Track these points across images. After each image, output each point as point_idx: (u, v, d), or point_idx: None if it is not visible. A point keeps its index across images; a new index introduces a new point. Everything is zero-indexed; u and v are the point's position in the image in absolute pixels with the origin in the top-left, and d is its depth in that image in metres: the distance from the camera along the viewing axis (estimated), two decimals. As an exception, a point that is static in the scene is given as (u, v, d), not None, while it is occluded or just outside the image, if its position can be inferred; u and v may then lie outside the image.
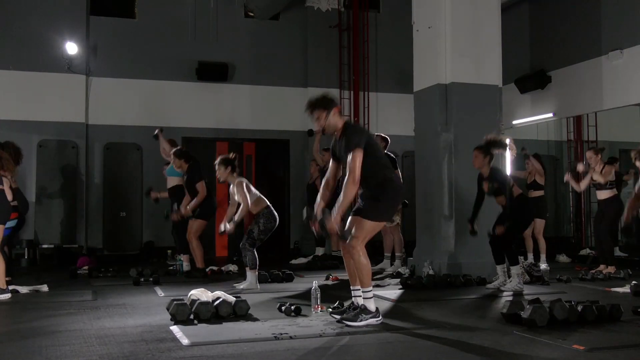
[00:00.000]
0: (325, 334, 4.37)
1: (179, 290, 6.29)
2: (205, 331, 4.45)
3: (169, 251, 9.93)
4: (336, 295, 5.76)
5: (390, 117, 11.98)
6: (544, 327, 4.47)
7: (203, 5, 11.55)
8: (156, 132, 9.31)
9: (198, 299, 4.97)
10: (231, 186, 7.00)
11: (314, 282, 5.25)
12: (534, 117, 11.44)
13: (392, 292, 6.53)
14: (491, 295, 6.33)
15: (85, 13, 11.13)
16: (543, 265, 8.28)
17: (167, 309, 4.93)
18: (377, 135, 8.17)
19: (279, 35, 12.16)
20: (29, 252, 10.09)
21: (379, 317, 4.70)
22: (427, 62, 7.96)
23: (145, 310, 5.40)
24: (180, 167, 8.19)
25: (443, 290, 6.63)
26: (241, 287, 6.69)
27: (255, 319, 4.88)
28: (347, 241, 4.69)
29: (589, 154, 8.38)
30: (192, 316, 4.80)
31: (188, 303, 4.92)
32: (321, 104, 4.78)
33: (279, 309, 5.19)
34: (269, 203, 6.93)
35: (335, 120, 4.78)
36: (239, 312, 4.96)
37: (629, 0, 9.67)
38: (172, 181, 8.65)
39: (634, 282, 6.43)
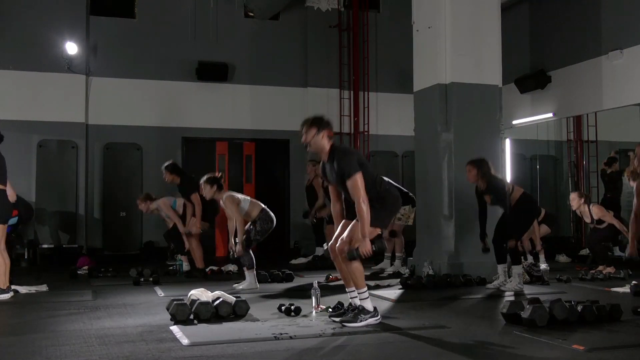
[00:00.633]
0: (325, 334, 4.37)
1: (179, 290, 6.29)
2: (205, 331, 4.45)
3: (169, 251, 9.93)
4: (336, 295, 5.76)
5: (390, 117, 11.99)
6: (544, 327, 4.47)
7: (203, 5, 11.55)
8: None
9: (198, 299, 4.97)
10: (221, 202, 6.95)
11: (314, 282, 5.25)
12: (534, 117, 11.44)
13: (392, 292, 6.53)
14: (491, 295, 6.33)
15: (85, 13, 11.13)
16: (543, 265, 8.28)
17: (167, 309, 4.93)
18: None
19: (279, 35, 12.16)
20: (29, 252, 10.09)
21: (377, 316, 4.70)
22: (427, 62, 7.96)
23: (145, 310, 5.40)
24: (173, 181, 8.22)
25: (443, 290, 6.63)
26: (241, 287, 6.69)
27: (255, 319, 4.88)
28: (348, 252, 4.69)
29: (572, 196, 8.51)
30: (192, 316, 4.80)
31: (188, 303, 4.92)
32: (314, 123, 4.78)
33: (279, 309, 5.19)
34: (264, 206, 6.90)
35: (322, 142, 4.75)
36: (239, 312, 4.96)
37: (629, 0, 9.67)
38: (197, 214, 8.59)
39: (634, 282, 6.43)
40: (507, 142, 10.84)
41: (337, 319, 4.73)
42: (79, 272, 8.30)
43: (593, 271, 7.80)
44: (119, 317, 5.08)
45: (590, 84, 10.26)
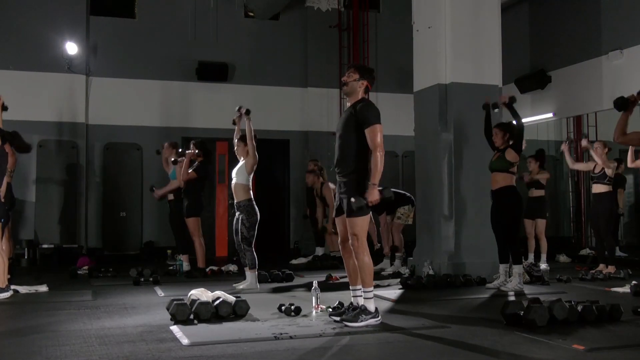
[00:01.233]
0: (325, 334, 4.37)
1: (179, 290, 6.29)
2: (205, 331, 4.45)
3: (169, 251, 9.93)
4: (336, 295, 5.76)
5: (390, 117, 11.92)
6: (544, 327, 4.47)
7: (203, 5, 11.56)
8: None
9: (198, 299, 4.97)
10: (241, 161, 6.93)
11: (314, 282, 5.25)
12: (534, 117, 11.43)
13: (392, 292, 6.53)
14: (491, 295, 6.32)
15: (85, 13, 11.14)
16: (543, 265, 8.28)
17: (167, 309, 4.93)
18: None
19: (279, 35, 12.17)
20: (29, 252, 10.09)
21: (378, 317, 4.70)
22: (427, 62, 7.96)
23: (145, 310, 5.40)
24: (194, 157, 8.15)
25: (443, 290, 6.63)
26: (241, 287, 6.69)
27: (255, 319, 4.88)
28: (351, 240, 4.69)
29: (597, 144, 8.34)
30: (192, 316, 4.80)
31: (188, 303, 4.92)
32: (359, 69, 4.93)
33: (279, 309, 5.19)
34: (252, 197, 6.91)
35: (358, 88, 4.85)
36: (239, 312, 4.96)
37: (629, 0, 9.67)
38: (174, 184, 8.66)
39: (634, 282, 6.43)
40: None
41: (337, 318, 4.73)
42: (79, 272, 8.29)
43: (593, 271, 7.80)
44: (119, 317, 5.08)
45: (590, 84, 10.26)
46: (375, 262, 8.65)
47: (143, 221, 11.12)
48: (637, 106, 5.27)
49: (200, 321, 4.74)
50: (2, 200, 6.51)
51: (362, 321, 4.60)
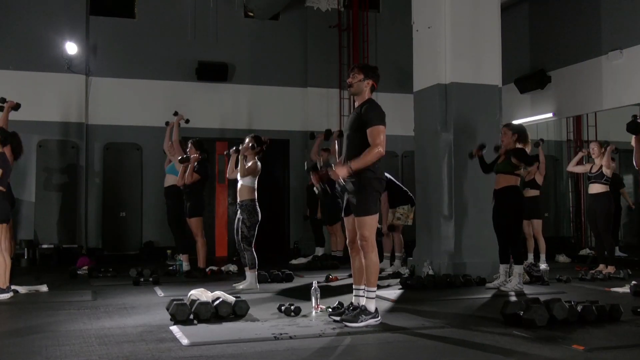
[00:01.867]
0: (325, 334, 4.37)
1: (179, 290, 6.30)
2: (205, 331, 4.45)
3: (169, 251, 9.93)
4: (336, 295, 5.76)
5: (390, 117, 11.90)
6: (543, 327, 4.47)
7: (203, 5, 11.56)
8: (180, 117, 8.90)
9: (198, 299, 4.97)
10: (250, 161, 6.92)
11: (314, 282, 5.25)
12: (533, 117, 11.44)
13: (392, 292, 6.53)
14: (491, 295, 6.32)
15: (85, 13, 11.14)
16: (543, 265, 8.28)
17: (167, 309, 4.93)
18: None
19: (279, 35, 12.17)
20: (28, 252, 10.09)
21: (378, 317, 4.70)
22: (427, 62, 7.96)
23: (145, 310, 5.40)
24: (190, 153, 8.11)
25: (443, 290, 6.64)
26: (241, 287, 6.69)
27: (255, 319, 4.88)
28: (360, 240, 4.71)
29: (593, 144, 8.38)
30: (191, 316, 4.80)
31: (188, 303, 4.92)
32: (363, 68, 5.00)
33: (279, 309, 5.19)
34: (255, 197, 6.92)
35: (364, 88, 4.92)
36: (238, 312, 4.96)
37: (629, 0, 9.67)
38: (170, 180, 8.68)
39: (633, 282, 6.43)
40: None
41: (337, 318, 4.73)
42: (78, 272, 8.30)
43: (593, 271, 7.80)
44: (118, 317, 5.08)
45: (590, 84, 10.26)
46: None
47: (143, 221, 11.12)
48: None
49: (200, 321, 4.74)
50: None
51: (362, 321, 4.60)
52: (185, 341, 4.11)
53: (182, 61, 11.49)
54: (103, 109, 11.09)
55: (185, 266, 8.29)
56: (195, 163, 7.95)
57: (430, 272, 7.27)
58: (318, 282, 5.29)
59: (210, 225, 11.18)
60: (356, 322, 4.59)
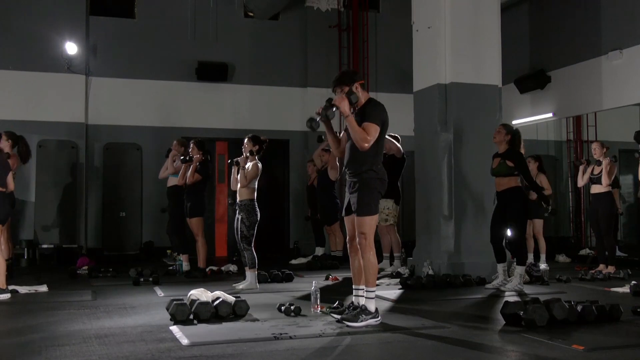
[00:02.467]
0: (325, 334, 4.37)
1: (179, 290, 6.30)
2: (204, 331, 4.45)
3: (169, 251, 9.93)
4: (336, 295, 5.76)
5: (390, 117, 11.94)
6: (543, 327, 4.47)
7: (203, 5, 11.56)
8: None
9: (198, 299, 4.97)
10: (248, 162, 6.90)
11: (314, 282, 5.25)
12: (533, 117, 11.44)
13: (392, 292, 6.53)
14: (491, 295, 6.32)
15: (85, 13, 11.14)
16: (543, 265, 8.29)
17: (167, 309, 4.93)
18: (390, 136, 8.10)
19: (279, 35, 12.17)
20: (28, 252, 10.08)
21: (378, 317, 4.70)
22: (427, 62, 7.96)
23: (145, 310, 5.40)
24: (193, 153, 8.10)
25: (442, 290, 6.64)
26: (241, 287, 6.69)
27: (255, 319, 4.88)
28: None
29: (595, 145, 8.36)
30: (191, 316, 4.80)
31: (188, 303, 4.92)
32: (343, 79, 4.90)
33: (279, 309, 5.19)
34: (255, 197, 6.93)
35: (355, 91, 4.84)
36: (238, 312, 4.96)
37: (629, 0, 9.67)
38: (172, 181, 8.70)
39: (633, 282, 6.43)
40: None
41: (337, 317, 4.73)
42: (78, 272, 8.30)
43: (593, 271, 7.81)
44: (118, 317, 5.08)
45: (590, 84, 10.26)
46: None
47: (142, 221, 11.12)
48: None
49: (200, 321, 4.74)
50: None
51: (362, 321, 4.60)
52: (185, 341, 4.11)
53: (182, 61, 11.49)
54: (103, 109, 11.09)
55: (185, 266, 8.29)
56: (197, 163, 7.96)
57: (430, 272, 7.27)
58: (318, 282, 5.30)
59: (210, 225, 11.18)
60: (356, 321, 4.59)
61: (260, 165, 6.91)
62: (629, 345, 4.09)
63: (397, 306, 5.71)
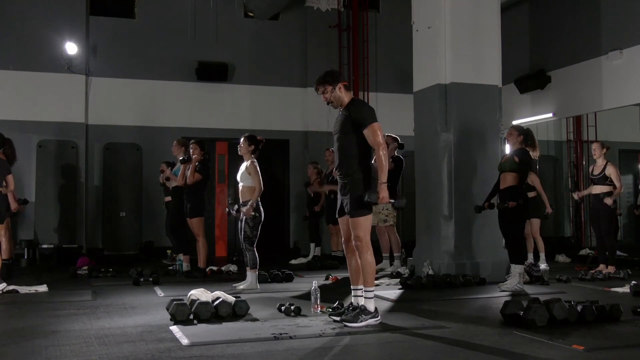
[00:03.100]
0: (325, 334, 4.37)
1: (179, 290, 6.30)
2: (205, 331, 4.45)
3: (169, 251, 9.93)
4: (336, 295, 5.76)
5: (390, 117, 11.95)
6: (543, 327, 4.47)
7: (203, 5, 11.56)
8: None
9: (198, 299, 4.97)
10: (246, 164, 6.90)
11: (314, 282, 5.25)
12: (533, 117, 11.44)
13: (392, 292, 6.53)
14: (491, 295, 6.32)
15: (85, 13, 11.14)
16: (543, 265, 8.28)
17: (167, 309, 4.94)
18: (387, 135, 8.11)
19: (279, 35, 12.17)
20: (28, 252, 10.09)
21: (377, 317, 4.70)
22: (427, 62, 7.96)
23: (145, 310, 5.40)
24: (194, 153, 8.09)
25: (442, 291, 6.64)
26: (241, 287, 6.69)
27: (255, 319, 4.88)
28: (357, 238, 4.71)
29: (595, 145, 8.36)
30: (191, 316, 4.80)
31: (188, 303, 4.92)
32: (325, 80, 4.87)
33: (279, 309, 5.19)
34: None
35: (340, 95, 4.85)
36: (238, 312, 4.96)
37: (629, 0, 9.67)
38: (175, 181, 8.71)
39: (633, 282, 6.43)
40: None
41: (337, 318, 4.73)
42: (78, 272, 8.30)
43: (593, 271, 7.81)
44: (118, 317, 5.08)
45: (590, 84, 10.26)
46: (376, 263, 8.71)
47: (142, 221, 11.12)
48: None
49: (200, 321, 4.74)
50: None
51: (361, 321, 4.60)
52: (185, 341, 4.11)
53: (182, 61, 11.49)
54: (103, 109, 11.10)
55: (185, 266, 8.29)
56: (197, 163, 7.95)
57: (430, 272, 7.27)
58: (318, 282, 5.30)
59: (210, 225, 11.18)
60: (356, 322, 4.59)
61: (256, 163, 6.88)
62: (629, 345, 4.09)
63: (397, 306, 5.71)
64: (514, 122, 11.55)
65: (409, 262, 8.12)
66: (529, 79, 11.36)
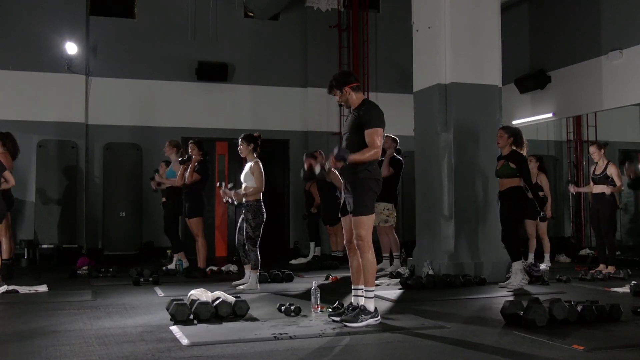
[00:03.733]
0: (325, 334, 4.37)
1: (179, 290, 6.30)
2: (204, 331, 4.45)
3: (169, 251, 9.92)
4: (336, 295, 5.76)
5: (390, 117, 11.87)
6: (543, 327, 4.47)
7: (203, 5, 11.55)
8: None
9: (198, 299, 4.97)
10: (249, 164, 6.91)
11: (314, 282, 5.25)
12: (533, 117, 11.44)
13: (392, 292, 6.53)
14: (491, 295, 6.32)
15: (85, 13, 11.14)
16: (543, 265, 8.28)
17: (167, 309, 4.94)
18: (387, 136, 8.14)
19: (279, 35, 12.17)
20: (28, 252, 10.09)
21: (377, 317, 4.71)
22: (427, 62, 7.96)
23: (145, 310, 5.40)
24: (193, 154, 8.07)
25: (443, 291, 6.64)
26: (241, 287, 6.69)
27: (255, 319, 4.88)
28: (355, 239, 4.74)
29: (592, 149, 8.36)
30: (191, 316, 4.80)
31: (188, 303, 4.92)
32: (337, 82, 4.94)
33: (279, 309, 5.19)
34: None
35: (351, 97, 4.91)
36: (238, 312, 4.96)
37: (629, 0, 9.67)
38: (174, 181, 8.70)
39: (633, 282, 6.43)
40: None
41: (337, 318, 4.73)
42: (78, 272, 8.29)
43: (593, 271, 7.80)
44: (118, 317, 5.08)
45: (590, 84, 10.26)
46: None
47: (142, 221, 11.11)
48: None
49: (200, 321, 4.75)
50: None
51: (361, 321, 4.60)
52: (185, 341, 4.11)
53: (182, 61, 11.49)
54: (103, 109, 11.10)
55: (185, 263, 8.31)
56: (196, 163, 7.95)
57: (430, 272, 7.27)
58: (318, 282, 5.30)
59: (210, 225, 11.18)
60: (356, 322, 4.59)
61: (260, 164, 6.89)
62: (629, 345, 4.09)
63: (397, 306, 5.71)
64: (514, 122, 11.58)
65: (409, 262, 8.12)
66: (529, 79, 11.36)
